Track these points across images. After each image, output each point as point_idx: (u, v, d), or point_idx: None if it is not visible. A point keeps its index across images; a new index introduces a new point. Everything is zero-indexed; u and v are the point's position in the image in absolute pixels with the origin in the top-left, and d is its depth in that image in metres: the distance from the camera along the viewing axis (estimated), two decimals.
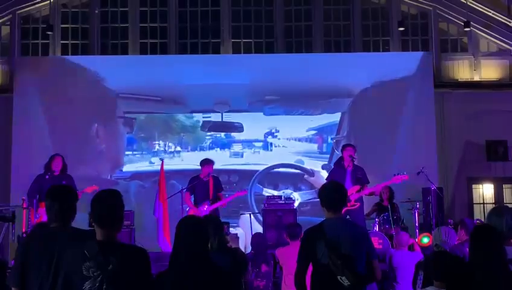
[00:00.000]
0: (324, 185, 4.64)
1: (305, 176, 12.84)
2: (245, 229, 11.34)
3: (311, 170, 12.85)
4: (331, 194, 4.46)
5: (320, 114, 13.05)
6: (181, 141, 13.06)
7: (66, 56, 13.35)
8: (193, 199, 9.87)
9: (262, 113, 13.05)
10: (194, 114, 13.11)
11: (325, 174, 12.13)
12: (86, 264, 3.20)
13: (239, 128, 13.01)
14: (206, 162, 9.97)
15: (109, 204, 3.37)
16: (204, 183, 9.80)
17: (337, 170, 9.56)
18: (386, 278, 7.23)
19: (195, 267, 3.15)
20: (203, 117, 13.09)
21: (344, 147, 9.59)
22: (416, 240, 8.87)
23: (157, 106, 12.98)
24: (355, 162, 9.43)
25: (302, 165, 12.91)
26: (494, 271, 3.65)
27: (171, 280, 3.17)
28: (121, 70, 12.84)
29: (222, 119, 13.03)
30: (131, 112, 13.01)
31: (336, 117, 13.06)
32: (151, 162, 12.88)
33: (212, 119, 13.05)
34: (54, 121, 12.56)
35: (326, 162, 12.77)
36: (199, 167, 9.81)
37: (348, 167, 9.37)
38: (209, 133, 13.08)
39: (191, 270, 3.14)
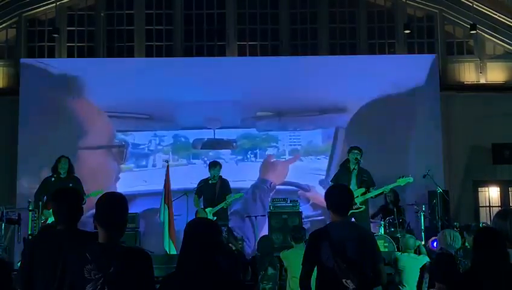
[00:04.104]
0: (331, 188, 4.63)
1: (299, 191, 12.51)
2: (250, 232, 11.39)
3: (307, 185, 12.61)
4: (338, 197, 4.45)
5: (314, 129, 12.96)
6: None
7: (71, 58, 13.42)
8: (202, 201, 9.93)
9: (255, 129, 12.92)
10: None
11: (321, 189, 12.06)
12: (88, 266, 3.21)
13: (232, 144, 12.86)
14: (213, 165, 10.03)
15: (113, 206, 3.39)
16: (212, 185, 9.86)
17: (342, 172, 9.56)
18: (392, 282, 7.22)
19: (202, 269, 3.15)
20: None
21: (350, 149, 9.59)
22: (426, 243, 8.85)
23: (145, 124, 12.83)
24: (360, 165, 9.43)
25: (298, 182, 12.61)
26: (497, 273, 3.63)
27: (179, 282, 3.17)
28: (107, 80, 12.63)
29: (214, 136, 12.87)
30: (120, 131, 12.88)
31: (332, 129, 12.97)
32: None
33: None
34: (59, 123, 12.56)
35: (324, 177, 12.61)
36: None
37: (353, 170, 9.37)
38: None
39: (199, 272, 3.15)
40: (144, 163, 12.94)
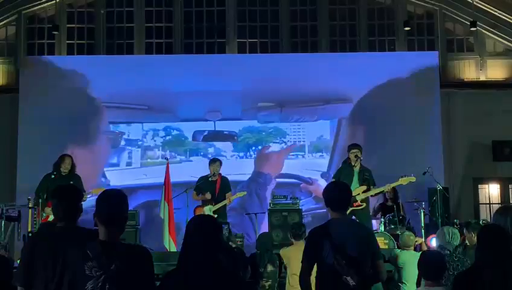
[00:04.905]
0: (329, 185, 4.65)
1: (302, 184, 12.53)
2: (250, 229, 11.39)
3: (309, 178, 12.62)
4: (336, 194, 4.46)
5: (316, 120, 12.93)
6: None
7: (71, 56, 13.41)
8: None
9: (256, 120, 12.91)
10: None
11: (323, 182, 12.04)
12: (89, 264, 3.21)
13: (233, 137, 12.82)
14: (213, 162, 10.02)
15: (114, 203, 3.39)
16: (211, 183, 9.84)
17: (344, 169, 9.55)
18: (391, 279, 7.21)
19: (204, 267, 3.16)
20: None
21: (350, 147, 9.58)
22: (425, 240, 8.84)
23: (144, 115, 12.83)
24: (361, 161, 9.42)
25: (299, 175, 12.63)
26: (502, 270, 3.61)
27: (180, 280, 3.17)
28: (107, 77, 12.66)
29: (215, 128, 12.86)
30: (116, 122, 12.93)
31: (334, 121, 12.97)
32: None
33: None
34: (59, 120, 12.57)
35: (325, 170, 12.62)
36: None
37: (355, 167, 9.37)
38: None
39: (200, 270, 3.15)
40: (140, 156, 12.99)
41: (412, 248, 7.40)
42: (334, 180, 9.07)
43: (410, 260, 7.11)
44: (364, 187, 9.29)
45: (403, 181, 9.39)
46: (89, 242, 3.32)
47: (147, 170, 12.73)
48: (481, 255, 3.72)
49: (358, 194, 9.16)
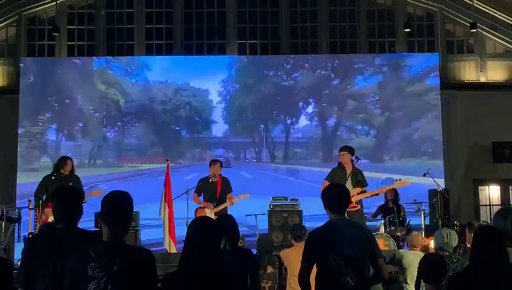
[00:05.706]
0: (327, 188, 4.65)
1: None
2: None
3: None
4: (334, 196, 4.47)
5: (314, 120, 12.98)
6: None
7: (71, 57, 13.41)
8: (201, 199, 9.90)
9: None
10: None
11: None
12: (91, 264, 3.21)
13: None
14: (214, 163, 9.99)
15: (118, 204, 3.39)
16: (212, 184, 9.80)
17: (337, 171, 9.54)
18: (394, 280, 7.19)
19: (205, 268, 3.16)
20: None
21: (341, 149, 9.57)
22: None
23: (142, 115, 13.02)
24: (355, 165, 9.41)
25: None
26: (496, 273, 3.61)
27: (181, 281, 3.17)
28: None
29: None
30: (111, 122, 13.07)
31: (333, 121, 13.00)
32: None
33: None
34: (59, 121, 12.58)
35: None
36: None
37: (348, 169, 9.36)
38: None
39: (202, 271, 3.15)
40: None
41: (419, 248, 7.36)
42: (326, 181, 9.05)
43: (415, 261, 7.08)
44: (358, 189, 9.27)
45: (398, 185, 9.38)
46: (92, 243, 3.32)
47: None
48: (475, 256, 3.72)
49: (353, 195, 9.15)
